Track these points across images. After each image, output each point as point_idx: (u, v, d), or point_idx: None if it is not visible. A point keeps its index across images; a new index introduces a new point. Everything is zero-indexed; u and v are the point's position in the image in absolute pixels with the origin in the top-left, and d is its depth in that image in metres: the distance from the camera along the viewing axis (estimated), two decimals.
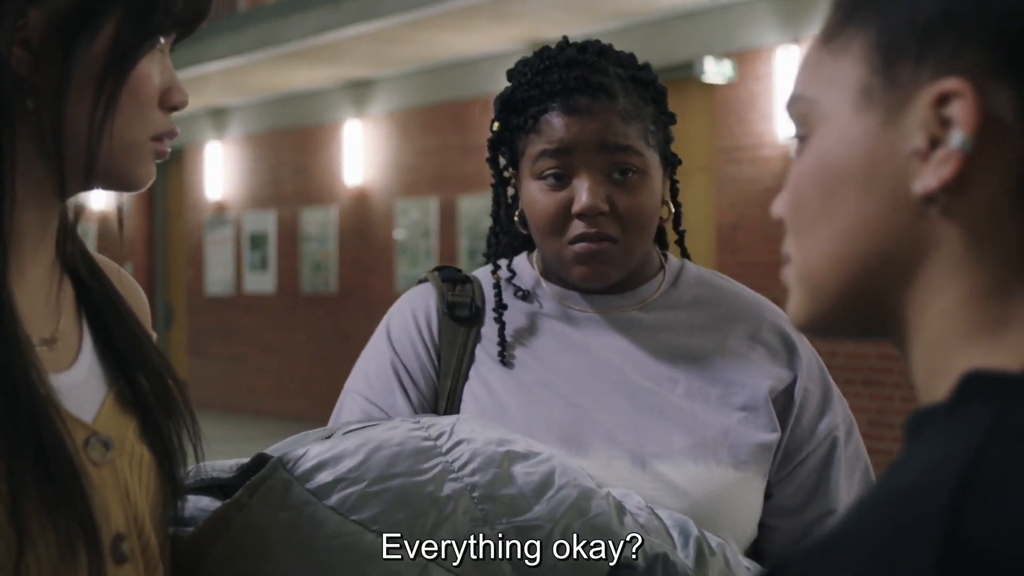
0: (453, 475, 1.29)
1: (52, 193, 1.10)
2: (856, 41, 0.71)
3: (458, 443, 1.33)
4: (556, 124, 1.51)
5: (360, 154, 11.28)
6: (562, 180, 1.51)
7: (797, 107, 0.75)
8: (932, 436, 0.65)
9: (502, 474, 1.30)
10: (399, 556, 1.23)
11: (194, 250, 13.05)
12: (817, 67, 0.74)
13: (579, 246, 1.51)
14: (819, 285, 0.73)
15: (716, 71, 7.89)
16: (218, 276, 12.89)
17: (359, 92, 11.27)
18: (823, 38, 0.74)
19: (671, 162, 1.59)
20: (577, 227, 1.50)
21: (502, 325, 1.58)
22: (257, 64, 10.45)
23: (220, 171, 12.87)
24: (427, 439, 1.33)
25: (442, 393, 1.58)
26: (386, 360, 1.61)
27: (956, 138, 0.65)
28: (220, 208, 12.90)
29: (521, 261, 1.65)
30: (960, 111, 0.65)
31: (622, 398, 1.52)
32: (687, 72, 7.80)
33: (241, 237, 12.67)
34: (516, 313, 1.60)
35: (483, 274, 1.66)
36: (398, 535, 1.24)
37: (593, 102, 1.49)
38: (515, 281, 1.63)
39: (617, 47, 1.60)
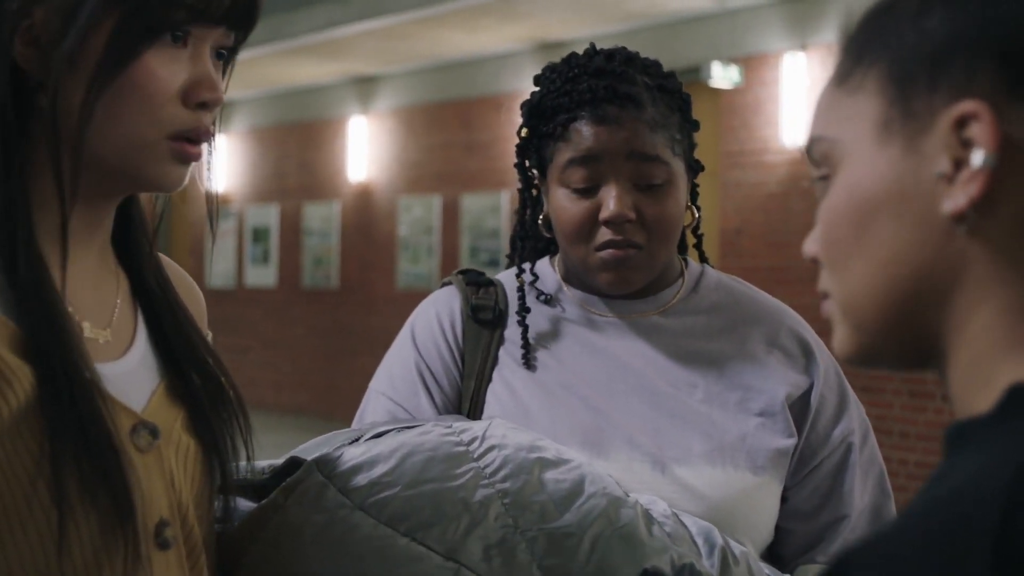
0: (485, 481, 1.31)
1: (100, 192, 1.11)
2: (869, 77, 0.73)
3: (490, 449, 1.34)
4: (585, 133, 1.53)
5: (364, 150, 11.29)
6: (590, 188, 1.53)
7: (818, 148, 0.77)
8: (976, 447, 0.66)
9: (533, 481, 1.31)
10: (431, 560, 1.25)
11: (196, 242, 13.06)
12: (833, 108, 0.76)
13: (605, 253, 1.53)
14: (863, 318, 0.74)
15: (723, 76, 7.89)
16: (220, 269, 12.90)
17: (365, 88, 11.28)
18: (836, 80, 0.77)
19: (694, 168, 1.62)
20: (604, 234, 1.53)
21: (525, 328, 1.60)
22: (263, 58, 10.45)
23: (224, 164, 12.88)
24: (459, 444, 1.34)
25: (465, 395, 1.60)
26: (410, 362, 1.63)
27: (978, 157, 0.67)
28: (223, 201, 12.90)
29: (544, 265, 1.67)
30: (979, 131, 0.67)
31: (642, 402, 1.54)
32: (694, 76, 7.80)
33: (243, 230, 12.68)
34: (539, 317, 1.62)
35: (506, 277, 1.68)
36: (430, 540, 1.26)
37: (621, 112, 1.52)
38: (538, 285, 1.65)
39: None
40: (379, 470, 1.31)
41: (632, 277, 1.55)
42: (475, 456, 1.33)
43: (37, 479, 1.00)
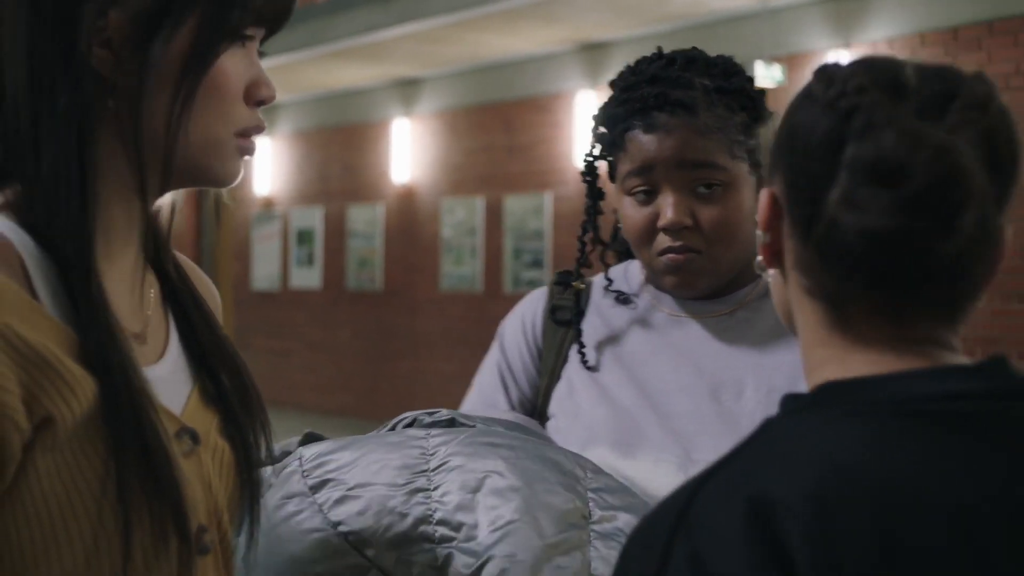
0: (424, 493, 1.39)
1: (137, 191, 1.12)
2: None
3: (442, 465, 1.41)
4: (637, 142, 1.56)
5: (407, 152, 11.32)
6: (650, 195, 1.57)
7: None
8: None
9: (468, 503, 1.37)
10: (351, 558, 1.37)
11: (241, 245, 13.15)
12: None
13: (666, 257, 1.57)
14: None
15: (766, 75, 7.85)
16: (264, 271, 12.98)
17: (407, 91, 11.32)
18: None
19: (761, 166, 1.61)
20: (663, 240, 1.57)
21: (578, 331, 1.66)
22: (306, 62, 10.52)
23: (269, 167, 12.96)
24: (424, 453, 1.43)
25: (541, 392, 1.66)
26: (495, 361, 1.71)
27: (759, 232, 1.02)
28: (268, 204, 12.99)
29: (634, 265, 1.72)
30: (760, 213, 1.01)
31: (689, 401, 1.56)
32: None
33: (288, 233, 12.75)
34: (613, 316, 1.66)
35: (598, 278, 1.73)
36: (357, 540, 1.37)
37: (671, 119, 1.54)
38: (617, 285, 1.69)
39: (665, 50, 1.62)
40: (338, 463, 1.42)
41: (694, 281, 1.59)
42: (430, 469, 1.41)
43: (101, 491, 1.01)
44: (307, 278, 12.56)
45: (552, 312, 1.69)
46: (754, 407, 1.54)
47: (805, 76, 0.97)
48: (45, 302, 1.03)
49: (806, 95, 0.98)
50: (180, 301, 1.20)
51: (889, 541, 0.82)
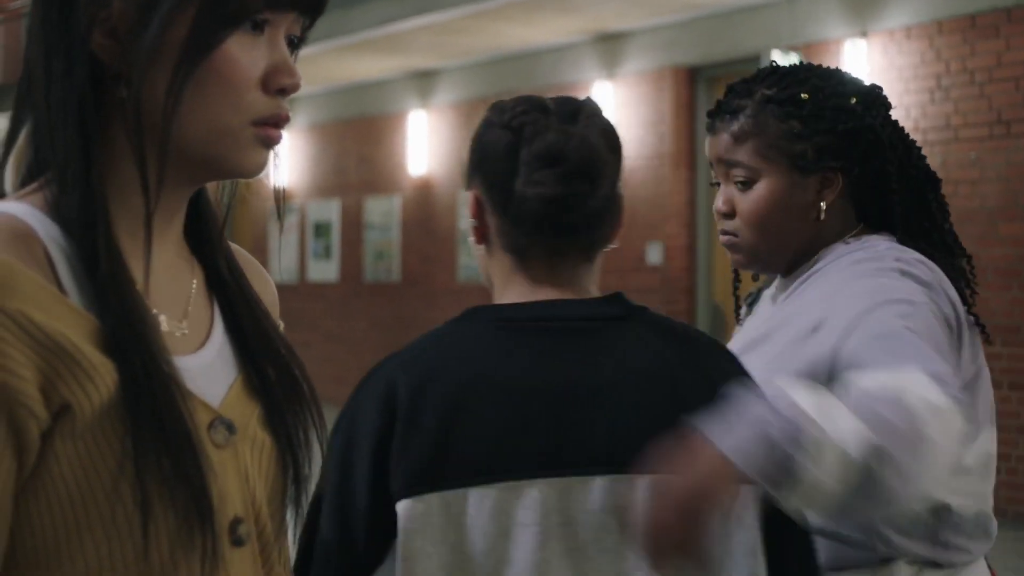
0: None
1: (181, 181, 1.12)
2: None
3: None
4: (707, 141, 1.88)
5: (424, 144, 11.33)
6: (717, 187, 1.88)
7: None
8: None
9: None
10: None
11: (259, 238, 13.18)
12: None
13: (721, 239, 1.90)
14: None
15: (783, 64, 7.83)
16: (282, 263, 13.01)
17: (424, 82, 11.32)
18: None
19: (803, 167, 1.78)
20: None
21: (737, 312, 2.03)
22: (323, 54, 10.52)
23: (286, 159, 12.94)
24: None
25: None
26: None
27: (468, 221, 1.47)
28: (285, 196, 13.00)
29: None
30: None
31: (752, 356, 1.78)
32: (753, 65, 7.69)
33: (305, 225, 12.78)
34: (762, 298, 1.94)
35: None
36: None
37: (717, 123, 1.83)
38: None
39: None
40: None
41: (739, 260, 1.86)
42: None
43: (119, 477, 1.00)
44: (324, 271, 12.58)
45: (746, 297, 2.01)
46: (772, 358, 1.71)
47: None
48: (71, 291, 1.03)
49: (487, 122, 1.47)
50: (226, 291, 1.19)
51: (453, 404, 1.35)
